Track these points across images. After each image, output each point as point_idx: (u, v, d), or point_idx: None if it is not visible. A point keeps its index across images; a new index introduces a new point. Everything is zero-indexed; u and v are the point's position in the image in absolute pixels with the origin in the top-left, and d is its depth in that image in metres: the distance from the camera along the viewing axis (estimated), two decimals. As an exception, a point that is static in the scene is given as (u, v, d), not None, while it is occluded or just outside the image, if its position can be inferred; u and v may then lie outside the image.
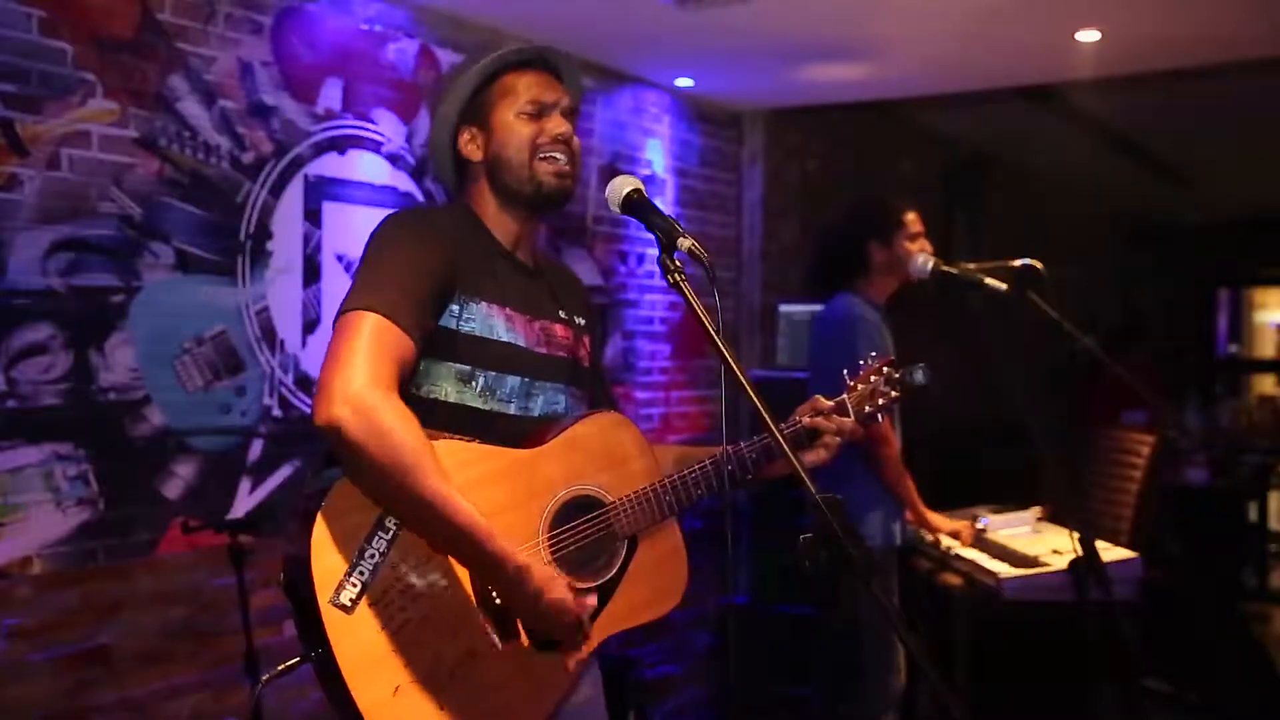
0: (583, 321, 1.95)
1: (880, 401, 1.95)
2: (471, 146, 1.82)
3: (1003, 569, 3.06)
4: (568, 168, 1.80)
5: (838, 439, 1.88)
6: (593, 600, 1.72)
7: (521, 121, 1.79)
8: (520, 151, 1.78)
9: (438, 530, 1.59)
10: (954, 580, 3.24)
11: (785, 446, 1.42)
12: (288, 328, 3.08)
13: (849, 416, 1.92)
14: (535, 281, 1.87)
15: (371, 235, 1.72)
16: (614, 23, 3.64)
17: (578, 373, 1.89)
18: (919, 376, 2.01)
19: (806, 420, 1.88)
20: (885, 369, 1.98)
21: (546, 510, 1.74)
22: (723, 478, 1.81)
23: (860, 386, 1.96)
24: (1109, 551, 3.03)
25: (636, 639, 4.25)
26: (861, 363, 2.00)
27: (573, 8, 3.47)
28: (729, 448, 1.75)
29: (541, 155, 1.79)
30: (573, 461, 1.78)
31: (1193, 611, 4.65)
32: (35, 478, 2.56)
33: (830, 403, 1.91)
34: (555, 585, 1.62)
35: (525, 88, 1.80)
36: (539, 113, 1.80)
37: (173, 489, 2.82)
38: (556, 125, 1.80)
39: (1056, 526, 3.48)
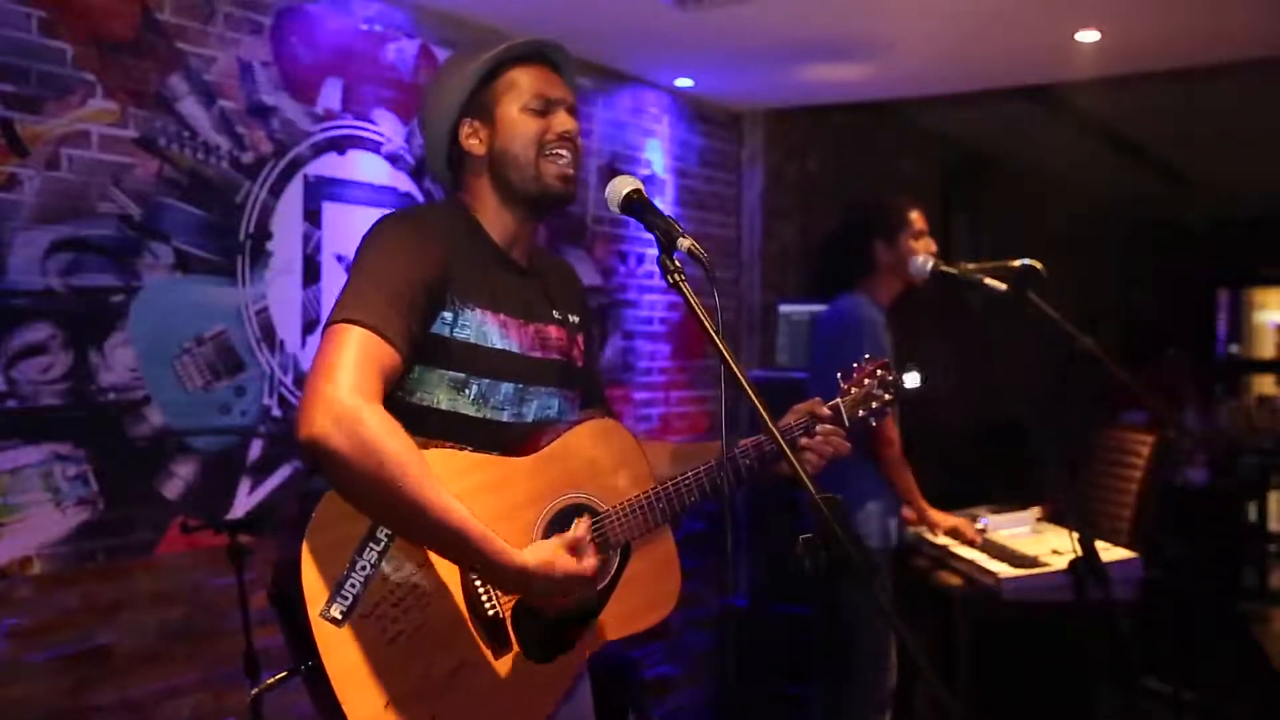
0: (577, 320, 1.93)
1: (874, 405, 1.95)
2: (474, 140, 1.79)
3: (1002, 569, 3.06)
4: (570, 170, 1.79)
5: (828, 452, 1.87)
6: (592, 557, 1.68)
7: (528, 117, 1.77)
8: (527, 148, 1.76)
9: (431, 537, 1.58)
10: (954, 580, 3.24)
11: (787, 451, 1.42)
12: (287, 328, 3.08)
13: (844, 422, 1.92)
14: (530, 282, 1.85)
15: (363, 239, 1.69)
16: (614, 23, 3.64)
17: (571, 374, 1.88)
18: (912, 381, 2.00)
19: (804, 441, 1.87)
20: (879, 372, 1.97)
21: (539, 520, 1.72)
22: (716, 484, 1.79)
23: (854, 390, 1.95)
24: (1109, 551, 3.03)
25: (636, 639, 4.24)
26: (855, 366, 1.99)
27: (572, 8, 3.47)
28: (724, 452, 1.74)
29: (547, 152, 1.77)
30: (565, 470, 1.76)
31: (1193, 611, 4.64)
32: (35, 478, 2.55)
33: (828, 410, 1.90)
34: (556, 560, 1.62)
35: (530, 83, 1.78)
36: (545, 109, 1.78)
37: (172, 489, 2.82)
38: (563, 122, 1.78)
39: (1056, 526, 3.48)
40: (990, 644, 3.38)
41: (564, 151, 1.78)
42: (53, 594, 2.59)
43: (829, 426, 1.88)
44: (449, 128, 1.80)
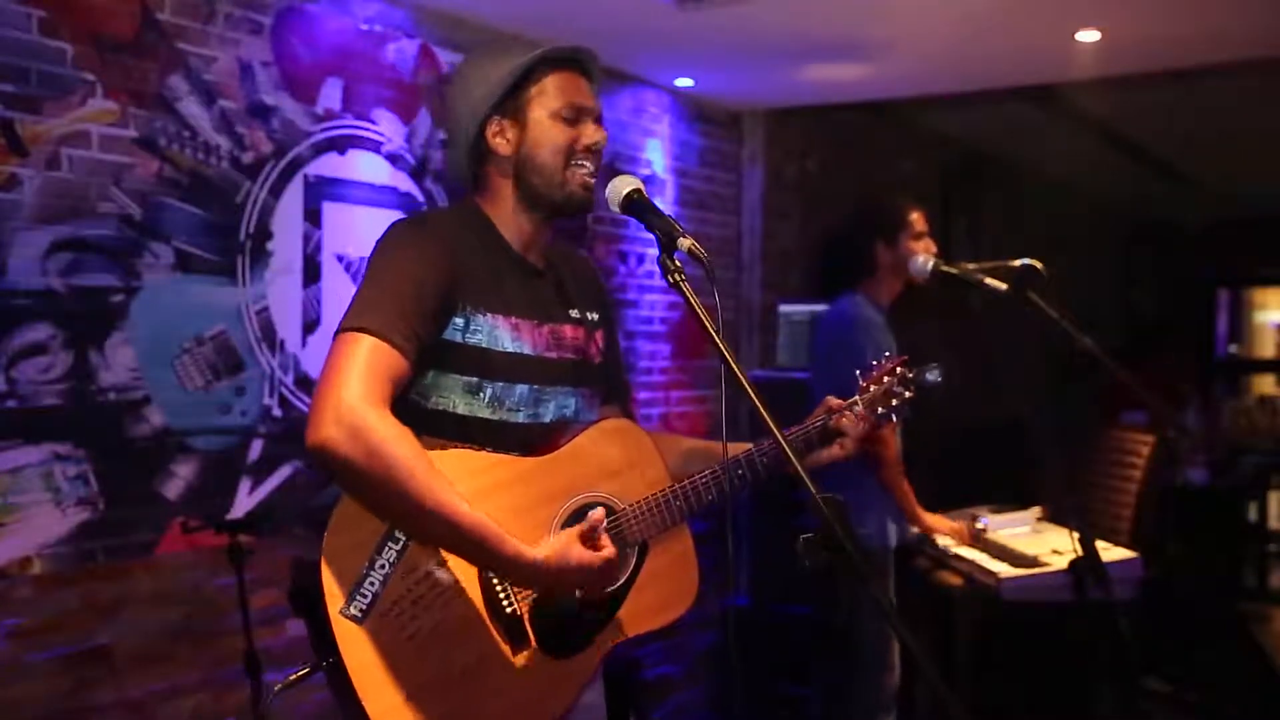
0: (595, 316, 1.94)
1: (894, 402, 1.93)
2: (500, 140, 1.79)
3: (1002, 569, 3.06)
4: (592, 178, 1.80)
5: (862, 430, 1.88)
6: (608, 546, 1.69)
7: (559, 124, 1.77)
8: (555, 154, 1.77)
9: (444, 538, 1.59)
10: (954, 580, 3.24)
11: (786, 450, 1.42)
12: (288, 328, 3.08)
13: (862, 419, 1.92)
14: (544, 283, 1.85)
15: (375, 245, 1.70)
16: (614, 23, 3.64)
17: (588, 372, 1.88)
18: (933, 376, 1.98)
19: (832, 422, 1.88)
20: (899, 369, 1.96)
21: (556, 518, 1.74)
22: (733, 482, 1.80)
23: (873, 388, 1.94)
24: (1109, 551, 3.03)
25: (640, 638, 4.24)
26: (874, 363, 1.98)
27: (573, 8, 3.47)
28: (741, 452, 1.76)
29: (574, 162, 1.78)
30: (582, 469, 1.77)
31: (1193, 611, 4.65)
32: (35, 478, 2.55)
33: (842, 403, 1.91)
34: (570, 551, 1.63)
35: (561, 89, 1.78)
36: (576, 118, 1.79)
37: (173, 489, 2.82)
38: (593, 135, 1.80)
39: (1056, 526, 3.48)
40: (990, 644, 3.38)
41: (588, 162, 1.80)
42: (53, 594, 2.59)
43: (860, 409, 1.90)
44: (478, 124, 1.79)
